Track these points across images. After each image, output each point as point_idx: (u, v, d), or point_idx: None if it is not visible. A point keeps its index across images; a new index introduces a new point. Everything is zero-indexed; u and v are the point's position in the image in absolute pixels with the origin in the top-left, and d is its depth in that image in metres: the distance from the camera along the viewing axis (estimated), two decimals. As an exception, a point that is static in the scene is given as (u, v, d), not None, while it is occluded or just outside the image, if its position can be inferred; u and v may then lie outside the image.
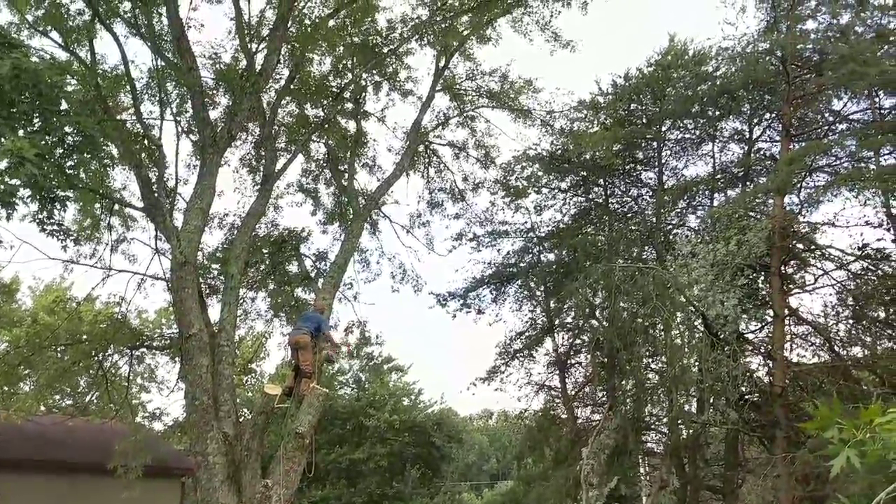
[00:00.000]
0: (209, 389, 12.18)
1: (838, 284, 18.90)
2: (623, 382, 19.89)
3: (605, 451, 18.42)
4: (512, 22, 19.09)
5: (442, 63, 19.25)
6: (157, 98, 15.38)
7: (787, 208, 18.70)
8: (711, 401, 16.91)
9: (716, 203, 21.14)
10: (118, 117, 14.65)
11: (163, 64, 15.10)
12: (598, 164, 21.92)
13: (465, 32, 19.13)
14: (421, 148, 20.38)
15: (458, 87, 20.54)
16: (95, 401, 21.78)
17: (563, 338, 24.92)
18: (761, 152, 21.25)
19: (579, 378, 25.06)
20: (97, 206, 16.15)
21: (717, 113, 21.10)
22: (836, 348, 18.50)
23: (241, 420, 13.29)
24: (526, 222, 24.79)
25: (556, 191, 24.47)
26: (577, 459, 19.09)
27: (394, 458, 32.04)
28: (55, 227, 11.15)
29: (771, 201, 18.67)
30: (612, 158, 21.59)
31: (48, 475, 18.45)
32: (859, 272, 18.96)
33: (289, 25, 16.59)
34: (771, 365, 18.03)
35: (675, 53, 22.10)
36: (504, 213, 24.20)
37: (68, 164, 9.95)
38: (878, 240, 18.21)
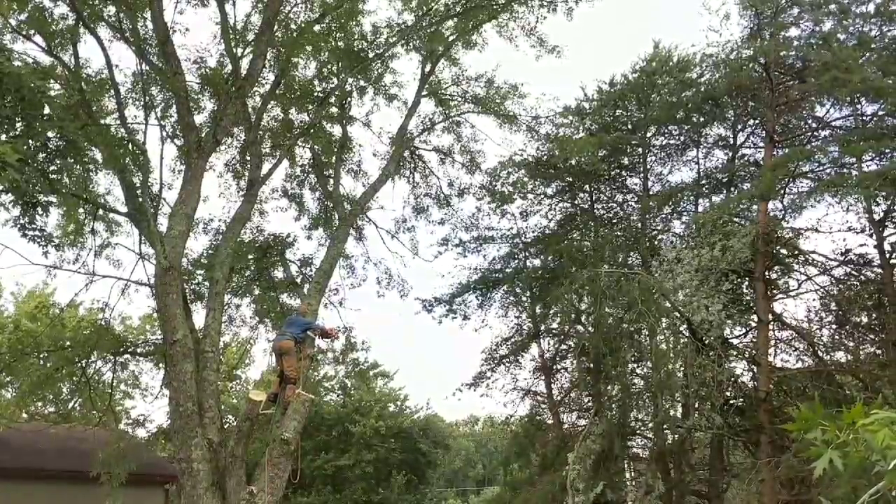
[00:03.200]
0: (193, 396, 12.11)
1: (822, 289, 19.07)
2: (609, 388, 19.89)
3: (591, 456, 18.39)
4: (497, 27, 19.12)
5: (427, 68, 19.24)
6: (142, 102, 15.32)
7: (771, 214, 18.86)
8: (697, 406, 16.99)
9: (700, 209, 21.24)
10: (102, 122, 14.54)
11: (147, 68, 15.02)
12: (583, 169, 21.99)
13: (451, 37, 19.14)
14: (406, 153, 20.35)
15: (443, 92, 20.51)
16: (78, 407, 21.62)
17: (548, 343, 24.97)
18: (745, 158, 21.39)
19: (565, 383, 25.09)
20: (80, 211, 16.01)
21: (702, 119, 21.22)
22: (820, 353, 18.65)
23: (225, 426, 13.21)
24: (512, 228, 24.83)
25: (541, 196, 24.50)
26: (563, 465, 19.01)
27: (379, 465, 31.98)
28: (37, 232, 11.05)
29: (755, 207, 18.80)
30: (598, 164, 21.69)
31: (30, 483, 18.27)
32: (842, 277, 19.15)
33: (275, 30, 16.55)
34: (755, 370, 18.13)
35: (660, 60, 22.20)
36: (490, 219, 24.27)
37: (51, 168, 9.90)
38: (861, 245, 18.42)
